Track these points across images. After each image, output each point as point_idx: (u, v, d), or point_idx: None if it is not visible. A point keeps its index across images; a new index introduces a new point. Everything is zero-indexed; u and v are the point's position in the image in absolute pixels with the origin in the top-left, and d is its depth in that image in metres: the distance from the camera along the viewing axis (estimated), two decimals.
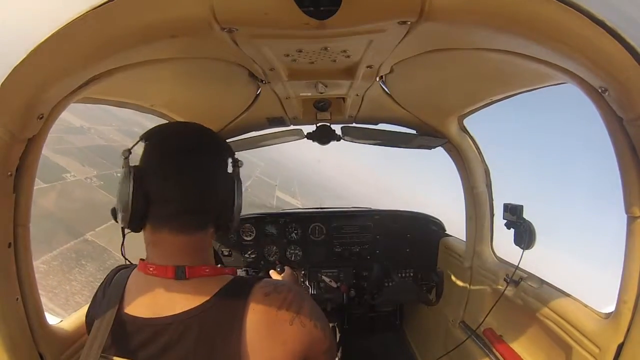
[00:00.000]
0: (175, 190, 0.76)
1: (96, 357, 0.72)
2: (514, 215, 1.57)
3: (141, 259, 0.81)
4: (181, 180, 0.76)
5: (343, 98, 1.67)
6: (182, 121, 0.92)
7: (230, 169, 0.86)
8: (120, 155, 0.81)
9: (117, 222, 0.81)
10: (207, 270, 0.77)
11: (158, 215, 0.77)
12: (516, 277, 1.61)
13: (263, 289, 0.76)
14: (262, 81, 1.36)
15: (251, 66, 1.21)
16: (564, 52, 0.74)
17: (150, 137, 0.81)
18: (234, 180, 0.83)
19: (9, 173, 0.84)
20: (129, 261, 0.95)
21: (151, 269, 0.77)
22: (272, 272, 1.56)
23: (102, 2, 0.69)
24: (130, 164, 0.78)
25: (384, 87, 1.50)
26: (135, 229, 0.81)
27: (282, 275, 1.49)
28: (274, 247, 2.62)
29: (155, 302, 0.75)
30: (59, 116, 0.92)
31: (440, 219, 2.71)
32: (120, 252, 0.98)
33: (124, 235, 0.91)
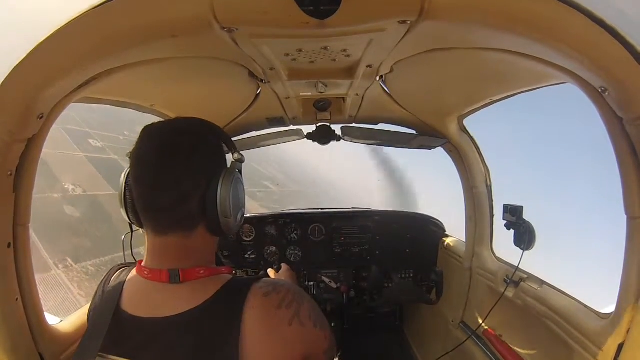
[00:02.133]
0: (144, 189, 0.75)
1: (93, 357, 0.72)
2: (514, 216, 1.57)
3: (139, 261, 0.81)
4: (148, 179, 0.75)
5: (343, 98, 1.67)
6: (174, 118, 0.91)
7: (219, 167, 0.80)
8: (126, 157, 0.81)
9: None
10: (202, 272, 0.76)
11: (141, 215, 0.79)
12: (516, 278, 1.61)
13: (262, 289, 0.75)
14: (262, 81, 1.37)
15: (251, 66, 1.21)
16: (563, 52, 0.74)
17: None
18: (221, 178, 0.77)
19: (9, 173, 0.84)
20: (134, 258, 0.95)
21: (146, 273, 0.77)
22: (269, 271, 1.56)
23: (102, 2, 0.69)
24: None
25: (384, 86, 1.50)
26: (137, 226, 0.86)
27: (279, 272, 1.48)
28: (274, 248, 2.62)
29: (152, 304, 0.74)
30: (59, 116, 0.93)
31: (440, 220, 2.71)
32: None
33: (132, 230, 0.96)
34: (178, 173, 0.74)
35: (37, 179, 0.90)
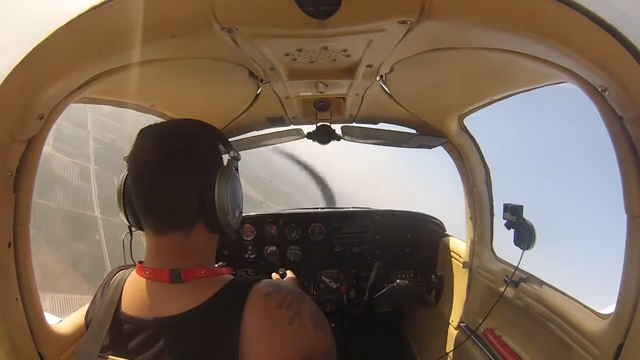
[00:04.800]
0: (144, 190, 0.77)
1: (93, 357, 0.72)
2: (514, 215, 1.57)
3: (139, 262, 0.81)
4: (147, 181, 0.76)
5: (343, 98, 1.67)
6: (172, 119, 0.92)
7: (216, 165, 0.80)
8: (122, 161, 0.84)
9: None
10: (203, 272, 0.76)
11: (140, 216, 0.80)
12: (516, 278, 1.60)
13: (263, 289, 0.75)
14: (262, 81, 1.37)
15: (251, 66, 1.21)
16: (563, 52, 0.75)
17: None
18: (219, 177, 0.77)
19: (10, 173, 0.84)
20: (133, 261, 0.96)
21: (147, 273, 0.77)
22: (274, 275, 1.56)
23: (102, 2, 0.69)
24: None
25: (384, 86, 1.50)
26: (136, 228, 0.88)
27: (283, 279, 1.49)
28: (274, 248, 2.62)
29: (153, 305, 0.75)
30: (59, 116, 0.93)
31: (440, 219, 2.71)
32: None
33: (131, 233, 0.97)
34: (176, 173, 0.75)
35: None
